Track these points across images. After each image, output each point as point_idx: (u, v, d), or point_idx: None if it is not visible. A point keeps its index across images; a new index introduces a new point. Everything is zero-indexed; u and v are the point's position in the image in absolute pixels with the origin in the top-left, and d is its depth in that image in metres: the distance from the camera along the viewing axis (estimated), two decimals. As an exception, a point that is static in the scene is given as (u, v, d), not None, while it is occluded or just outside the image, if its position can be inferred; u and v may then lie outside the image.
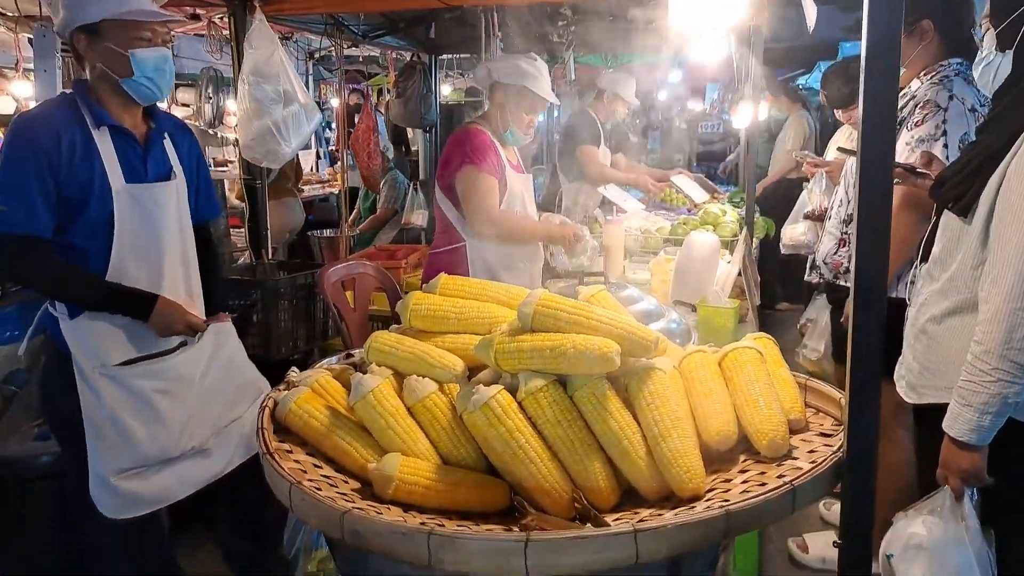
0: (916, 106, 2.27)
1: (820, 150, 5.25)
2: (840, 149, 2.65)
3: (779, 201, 5.31)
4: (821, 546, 2.71)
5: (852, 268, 0.95)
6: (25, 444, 2.37)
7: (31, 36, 3.39)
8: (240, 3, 3.29)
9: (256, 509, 2.24)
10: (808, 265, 3.10)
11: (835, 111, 3.36)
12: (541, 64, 2.64)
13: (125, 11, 1.83)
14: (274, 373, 3.12)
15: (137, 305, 1.91)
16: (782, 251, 3.71)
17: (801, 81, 10.68)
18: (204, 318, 2.06)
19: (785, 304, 5.83)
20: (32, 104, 4.06)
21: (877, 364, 0.95)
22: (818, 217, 3.25)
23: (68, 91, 1.95)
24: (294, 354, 3.22)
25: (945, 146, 2.19)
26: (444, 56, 5.92)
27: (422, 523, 1.01)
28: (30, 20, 3.00)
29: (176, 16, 2.14)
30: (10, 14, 3.09)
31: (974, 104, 2.25)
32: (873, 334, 0.94)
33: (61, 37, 1.95)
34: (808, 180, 3.71)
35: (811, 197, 3.36)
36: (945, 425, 1.57)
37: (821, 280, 2.94)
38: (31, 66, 3.96)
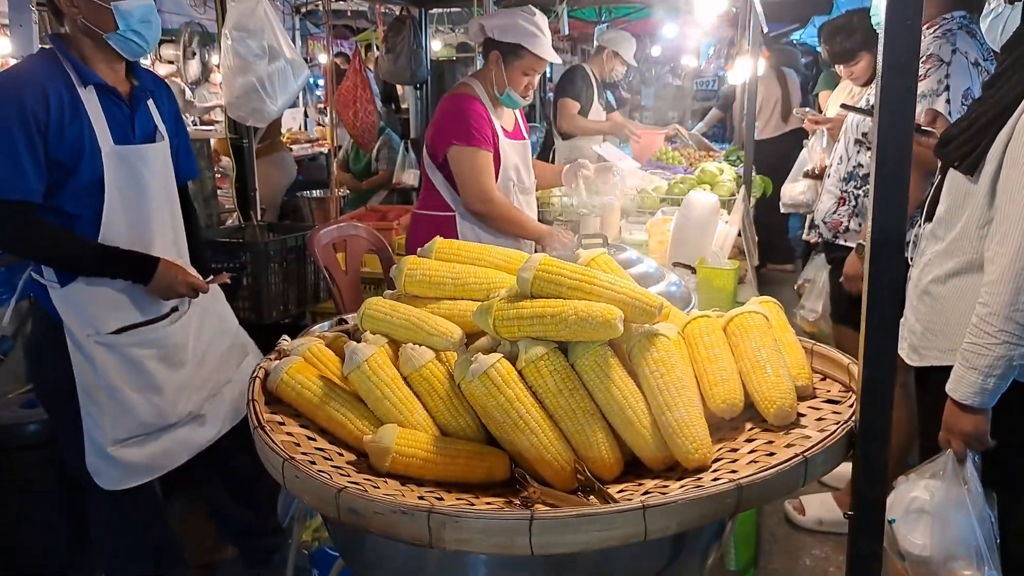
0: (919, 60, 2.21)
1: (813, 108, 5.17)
2: (844, 106, 2.59)
3: (776, 159, 5.25)
4: (817, 507, 2.73)
5: (868, 232, 0.91)
6: (12, 411, 2.33)
7: (3, -11, 3.26)
8: (222, -47, 3.16)
9: (250, 476, 2.22)
10: (807, 224, 3.06)
11: (836, 66, 3.28)
12: (541, 19, 2.47)
13: None
14: (265, 337, 3.09)
15: (138, 268, 1.86)
16: (782, 210, 3.67)
17: (795, 36, 10.50)
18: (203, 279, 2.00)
19: (772, 264, 5.81)
20: (12, 61, 3.93)
21: (892, 334, 0.92)
22: (818, 175, 3.20)
23: (47, 47, 1.84)
24: (285, 318, 3.18)
25: (948, 101, 2.14)
26: (434, 10, 5.75)
27: (420, 497, 0.98)
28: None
29: None
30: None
31: (978, 58, 2.20)
32: (888, 303, 0.90)
33: None
34: (807, 137, 3.66)
35: (811, 155, 3.30)
36: (949, 388, 1.55)
37: (820, 239, 2.90)
38: (7, 22, 3.82)
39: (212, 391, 2.09)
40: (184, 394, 1.99)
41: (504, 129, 2.55)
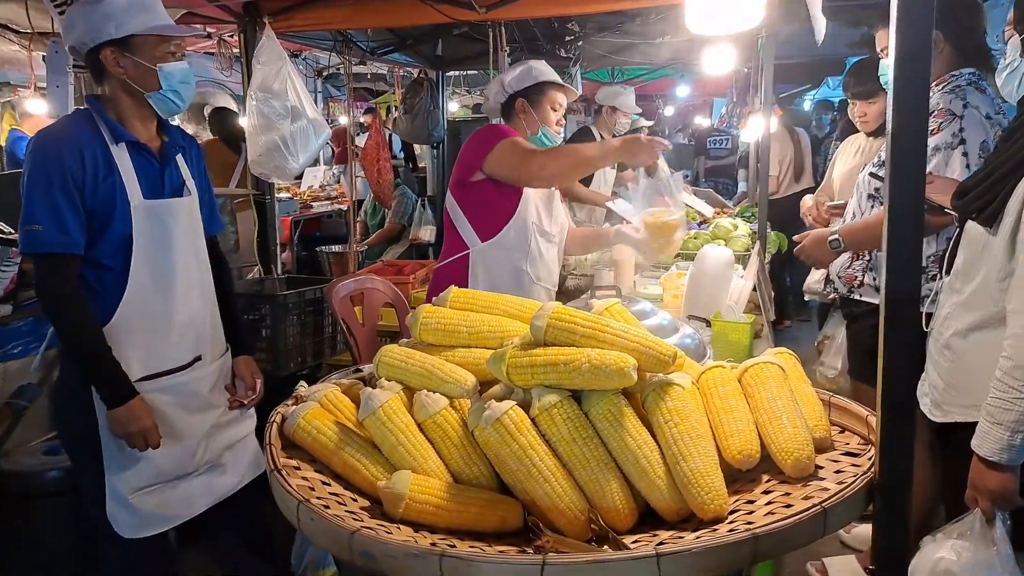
0: (930, 115, 2.24)
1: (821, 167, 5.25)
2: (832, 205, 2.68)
3: (789, 217, 5.29)
4: (840, 569, 2.64)
5: (881, 284, 0.91)
6: (35, 459, 2.35)
7: (44, 54, 3.42)
8: (250, 20, 3.31)
9: (263, 525, 2.21)
10: (823, 280, 3.06)
11: (852, 103, 3.36)
12: (547, 65, 2.60)
13: (155, 26, 1.84)
14: (281, 388, 3.09)
15: (114, 390, 1.82)
16: (806, 298, 3.73)
17: (809, 96, 10.70)
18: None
19: (787, 321, 5.80)
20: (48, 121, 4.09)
21: (910, 381, 0.91)
22: None
23: (83, 107, 1.94)
24: (302, 369, 3.20)
25: (964, 153, 2.15)
26: (451, 73, 5.95)
27: (433, 543, 0.97)
28: (43, 36, 3.02)
29: (198, 30, 2.13)
30: (23, 30, 3.11)
31: (988, 112, 2.22)
32: (904, 349, 0.89)
33: (75, 54, 1.92)
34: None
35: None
36: (974, 444, 1.52)
37: (836, 295, 2.90)
38: (43, 84, 4.01)
39: (232, 441, 2.09)
40: (203, 442, 2.00)
41: None
